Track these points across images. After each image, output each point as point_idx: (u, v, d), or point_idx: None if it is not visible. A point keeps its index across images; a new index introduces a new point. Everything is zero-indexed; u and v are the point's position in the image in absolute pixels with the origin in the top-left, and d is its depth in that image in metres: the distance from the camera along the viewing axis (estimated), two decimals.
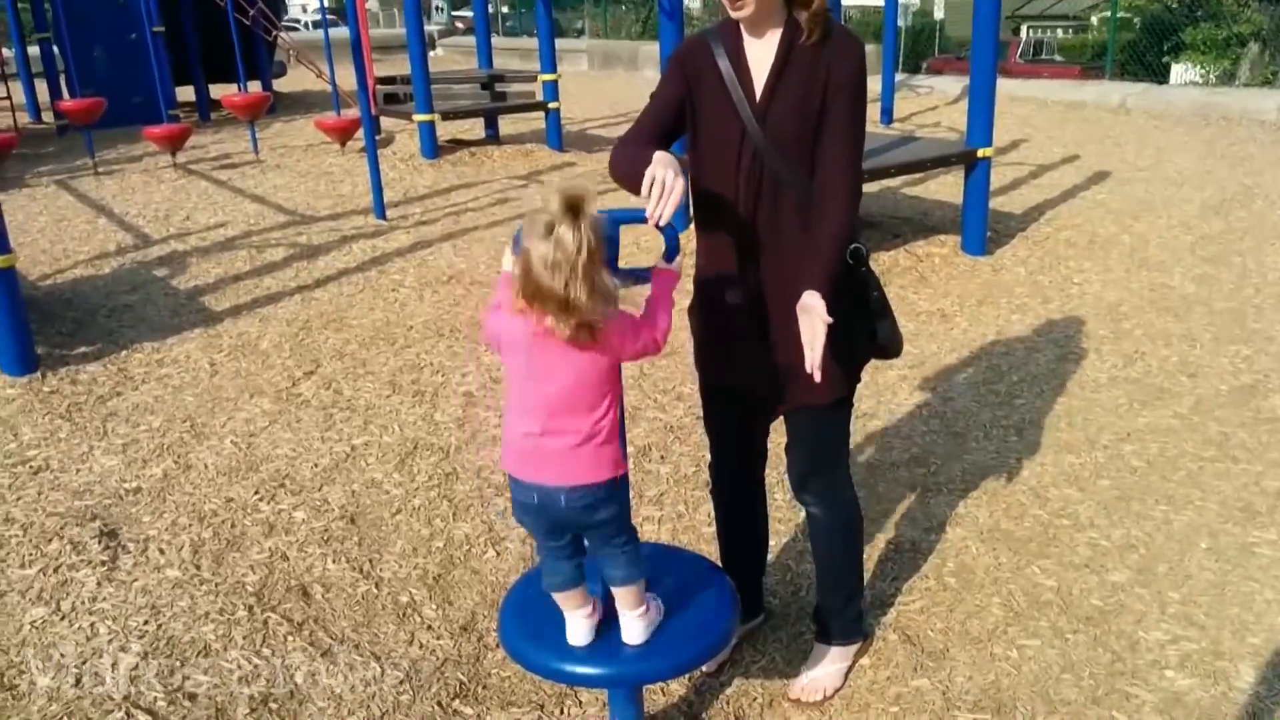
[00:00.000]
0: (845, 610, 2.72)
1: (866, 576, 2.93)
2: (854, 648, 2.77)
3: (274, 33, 12.04)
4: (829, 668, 2.71)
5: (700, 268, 2.47)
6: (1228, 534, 3.22)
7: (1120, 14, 19.95)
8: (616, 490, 2.07)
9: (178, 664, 2.73)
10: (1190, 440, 3.80)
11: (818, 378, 2.13)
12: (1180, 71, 18.26)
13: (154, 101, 10.70)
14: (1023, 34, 33.45)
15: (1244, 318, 4.96)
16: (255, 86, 12.06)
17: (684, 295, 2.29)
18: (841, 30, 2.27)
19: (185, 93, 12.54)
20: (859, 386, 2.56)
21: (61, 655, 2.76)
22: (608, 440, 2.03)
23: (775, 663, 2.81)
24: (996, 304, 5.30)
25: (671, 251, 2.17)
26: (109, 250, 6.37)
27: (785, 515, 3.37)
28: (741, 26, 2.29)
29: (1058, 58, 28.98)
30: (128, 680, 2.66)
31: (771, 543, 3.02)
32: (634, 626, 2.19)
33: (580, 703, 2.68)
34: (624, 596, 2.18)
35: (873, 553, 3.17)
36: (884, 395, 4.25)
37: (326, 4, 11.32)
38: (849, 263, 2.35)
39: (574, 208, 1.86)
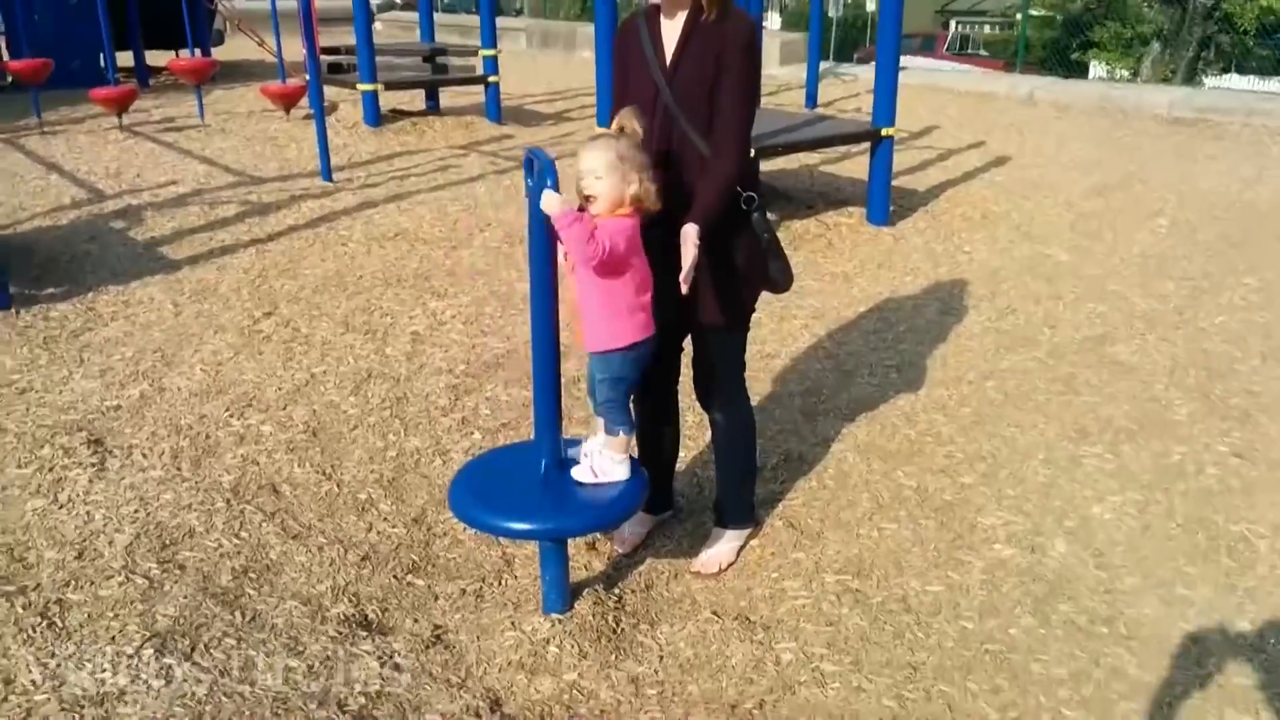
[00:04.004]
0: (739, 500, 3.28)
1: (759, 480, 3.48)
2: (745, 531, 3.32)
3: (215, 1, 12.30)
4: (724, 546, 3.26)
5: None
6: (1062, 449, 3.83)
7: (1042, 12, 20.85)
8: None
9: (167, 543, 3.19)
10: (1043, 378, 4.42)
11: (685, 290, 2.66)
12: (1097, 69, 19.19)
13: (93, 65, 10.93)
14: (951, 28, 34.40)
15: (1105, 283, 5.61)
16: (195, 53, 12.24)
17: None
18: (737, 12, 2.81)
19: (123, 58, 12.68)
20: (764, 332, 3.11)
21: (63, 535, 3.19)
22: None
23: (681, 546, 3.35)
24: (893, 268, 5.90)
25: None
26: (64, 204, 6.68)
27: (694, 434, 3.90)
28: (660, 9, 2.83)
29: (983, 52, 29.92)
30: (125, 554, 3.10)
31: (681, 454, 3.54)
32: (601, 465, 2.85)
33: (515, 576, 3.19)
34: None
35: (766, 461, 3.72)
36: (786, 340, 4.81)
37: None
38: (742, 208, 2.89)
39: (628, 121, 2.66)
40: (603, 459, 2.84)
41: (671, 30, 2.84)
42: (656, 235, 2.89)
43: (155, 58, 12.41)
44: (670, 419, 3.34)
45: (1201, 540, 3.27)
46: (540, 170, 2.54)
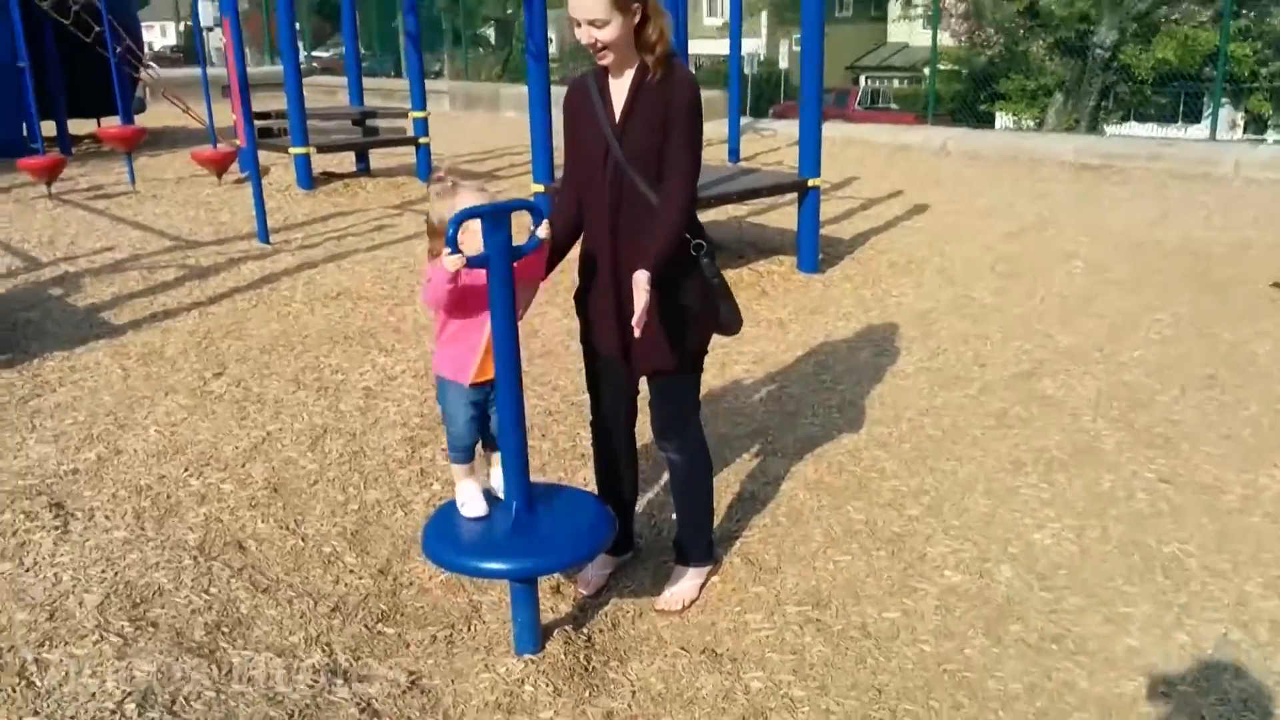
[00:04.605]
0: (698, 538, 3.39)
1: (715, 519, 3.59)
2: (706, 569, 3.43)
3: (139, 69, 12.25)
4: (686, 584, 3.37)
5: (579, 257, 3.14)
6: (1000, 480, 4.02)
7: (949, 66, 21.65)
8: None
9: (137, 601, 3.20)
10: (976, 414, 4.63)
11: (637, 334, 2.79)
12: (1003, 119, 19.98)
13: (16, 135, 10.84)
14: (861, 83, 35.45)
15: (1029, 321, 5.88)
16: (115, 121, 12.19)
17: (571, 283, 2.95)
18: (681, 70, 2.98)
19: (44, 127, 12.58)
20: (709, 377, 3.25)
21: (32, 597, 3.19)
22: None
23: (644, 585, 3.45)
24: (826, 313, 6.12)
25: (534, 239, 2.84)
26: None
27: (648, 475, 4.02)
28: (608, 70, 2.99)
29: (894, 106, 30.89)
30: (97, 613, 3.11)
31: (638, 495, 3.65)
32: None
33: (484, 621, 3.26)
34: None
35: (721, 501, 3.85)
36: (730, 385, 4.97)
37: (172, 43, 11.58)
38: (691, 255, 3.05)
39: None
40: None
41: (619, 89, 2.99)
42: (608, 283, 3.03)
43: (80, 125, 12.35)
44: (630, 461, 3.45)
45: (1137, 561, 3.46)
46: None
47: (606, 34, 2.82)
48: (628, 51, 2.91)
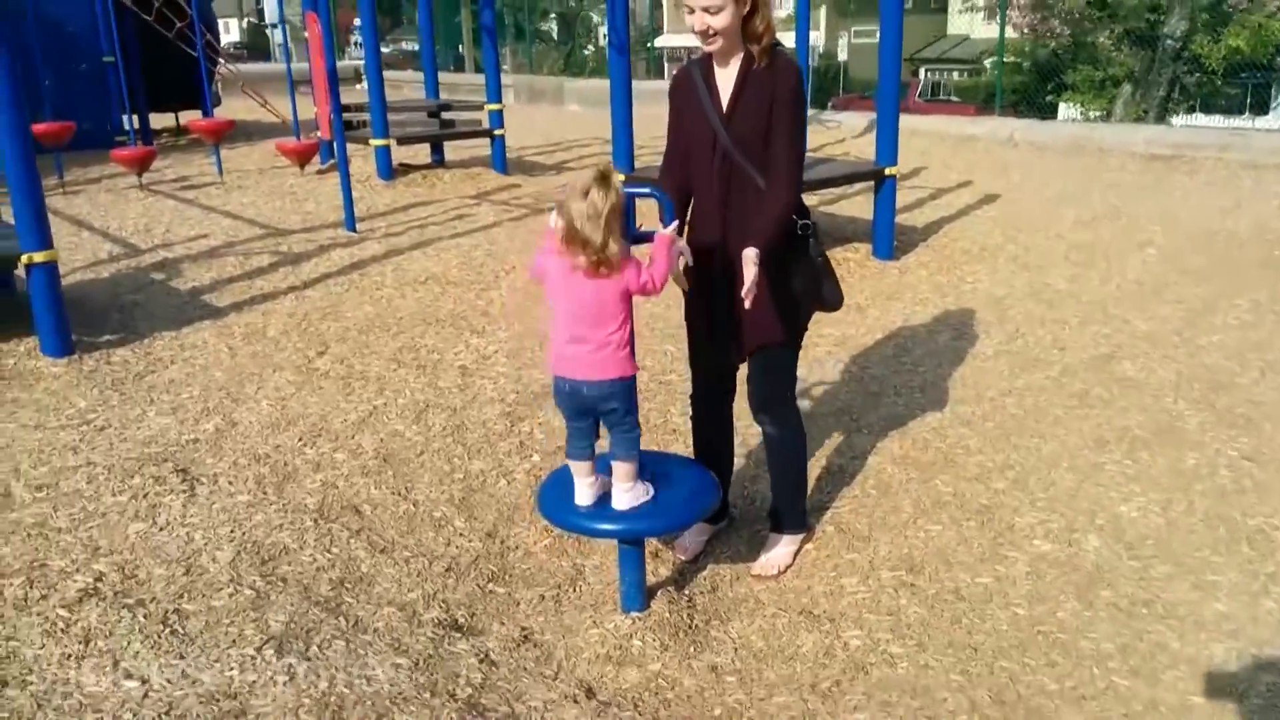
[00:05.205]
0: (793, 507, 3.54)
1: (807, 490, 3.74)
2: (800, 536, 3.58)
3: (217, 62, 12.62)
4: (781, 550, 3.52)
5: (688, 240, 3.29)
6: (1084, 457, 4.12)
7: (1011, 58, 21.51)
8: (624, 386, 2.90)
9: (265, 558, 3.41)
10: (1058, 395, 4.72)
11: (748, 305, 2.90)
12: (1066, 110, 19.81)
13: (102, 128, 11.24)
14: (921, 75, 35.25)
15: (1105, 307, 5.94)
16: (196, 114, 12.56)
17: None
18: (783, 57, 3.11)
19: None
20: (801, 353, 3.40)
21: (167, 554, 3.41)
22: (618, 349, 2.85)
23: (740, 552, 3.61)
24: (903, 298, 6.22)
25: (668, 220, 3.00)
26: (101, 258, 6.93)
27: (742, 449, 4.16)
28: (713, 58, 3.13)
29: (954, 98, 30.67)
30: (229, 569, 3.33)
31: (734, 467, 3.80)
32: (622, 497, 3.03)
33: (588, 582, 3.44)
34: (619, 471, 3.01)
35: (811, 475, 3.98)
36: (814, 366, 5.09)
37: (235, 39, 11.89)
38: (799, 234, 3.19)
39: (604, 177, 2.71)
40: (634, 490, 3.05)
41: (725, 78, 3.13)
42: (717, 265, 3.18)
43: (160, 119, 12.75)
44: (727, 436, 3.61)
45: (1223, 533, 3.55)
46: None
47: (720, 20, 2.96)
48: (735, 39, 3.05)
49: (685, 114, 3.21)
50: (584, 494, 3.06)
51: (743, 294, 2.91)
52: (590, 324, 2.84)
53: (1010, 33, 19.65)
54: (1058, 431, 4.35)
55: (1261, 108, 18.25)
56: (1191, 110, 19.48)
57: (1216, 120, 17.83)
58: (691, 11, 2.99)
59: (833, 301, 3.34)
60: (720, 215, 3.16)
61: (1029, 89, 19.86)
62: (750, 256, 2.93)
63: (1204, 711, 2.74)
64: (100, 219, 8.08)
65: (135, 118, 12.27)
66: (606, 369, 2.87)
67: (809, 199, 8.59)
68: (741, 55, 3.09)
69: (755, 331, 3.23)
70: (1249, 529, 3.57)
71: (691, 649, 3.08)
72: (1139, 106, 17.96)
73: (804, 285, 3.24)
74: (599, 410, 2.95)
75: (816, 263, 3.27)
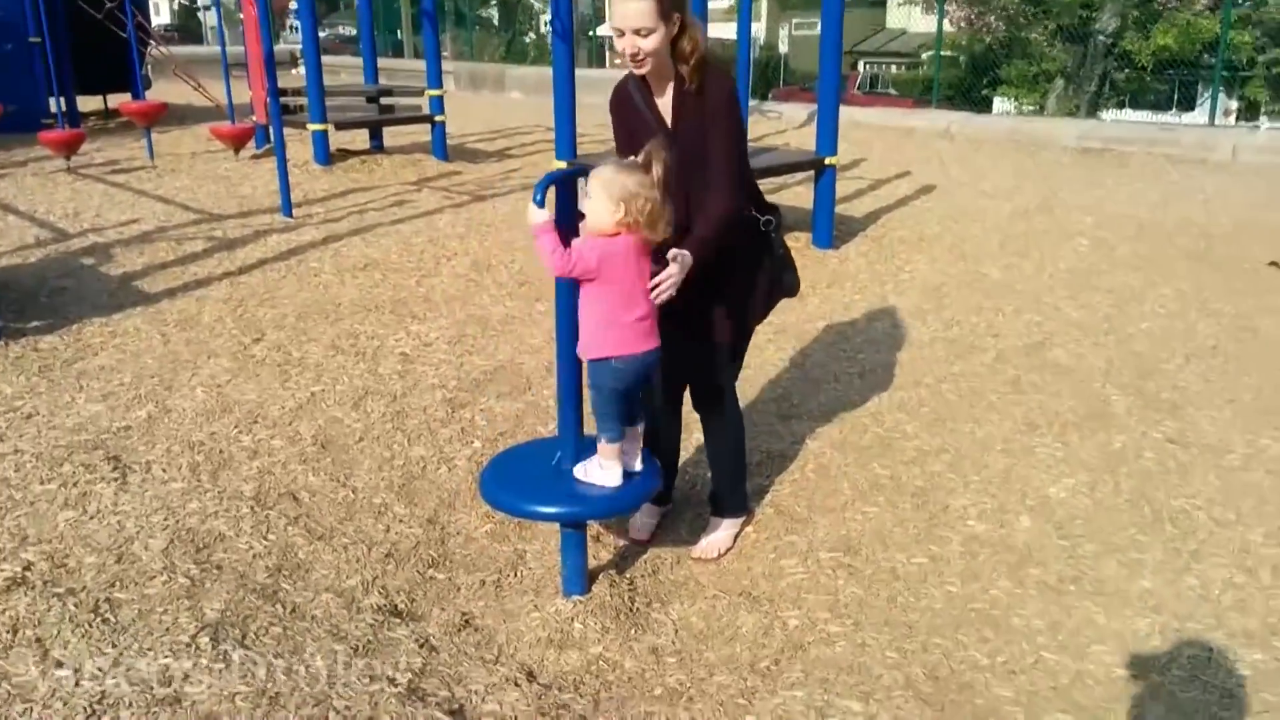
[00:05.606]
0: (734, 491, 3.57)
1: (747, 475, 3.77)
2: (740, 520, 3.61)
3: (148, 44, 12.34)
4: (722, 533, 3.55)
5: None
6: (1016, 441, 4.21)
7: (948, 52, 21.79)
8: None
9: (200, 546, 3.36)
10: (992, 380, 4.81)
11: (654, 296, 2.86)
12: (1001, 104, 20.12)
13: (29, 111, 10.95)
14: (860, 68, 35.56)
15: (1038, 295, 6.06)
16: (124, 97, 12.29)
17: None
18: (714, 73, 3.10)
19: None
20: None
21: (98, 542, 3.34)
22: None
23: (681, 536, 3.63)
24: (842, 286, 6.29)
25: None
26: (29, 242, 6.77)
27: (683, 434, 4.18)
28: (647, 80, 3.12)
29: (892, 91, 30.99)
30: (163, 556, 3.27)
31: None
32: (596, 472, 3.05)
33: (529, 567, 3.43)
34: (608, 450, 3.02)
35: (751, 459, 4.01)
36: (754, 354, 5.10)
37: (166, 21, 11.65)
38: (761, 230, 3.23)
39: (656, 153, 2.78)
40: (591, 463, 3.08)
41: (664, 103, 3.14)
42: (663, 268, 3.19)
43: (87, 102, 12.46)
44: (676, 422, 3.63)
45: (1148, 513, 3.65)
46: (538, 185, 2.80)
47: (649, 43, 2.95)
48: (665, 61, 3.05)
49: (634, 128, 3.19)
50: (620, 468, 3.08)
51: (649, 284, 2.86)
52: (645, 295, 2.88)
53: (947, 27, 19.92)
54: (991, 416, 4.43)
55: (1188, 104, 18.68)
56: (1121, 105, 19.89)
57: (1145, 115, 18.22)
58: (621, 35, 2.98)
59: (792, 289, 3.42)
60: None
61: (965, 83, 20.13)
62: (679, 258, 2.88)
63: (1129, 683, 2.82)
64: (27, 202, 7.88)
65: (63, 100, 12.02)
66: (656, 335, 2.97)
67: None
68: (673, 79, 3.09)
69: (698, 331, 3.26)
70: (1172, 509, 3.68)
71: (632, 631, 3.09)
72: (1071, 101, 18.32)
73: (767, 283, 3.33)
74: (651, 376, 3.13)
75: (778, 255, 3.33)
